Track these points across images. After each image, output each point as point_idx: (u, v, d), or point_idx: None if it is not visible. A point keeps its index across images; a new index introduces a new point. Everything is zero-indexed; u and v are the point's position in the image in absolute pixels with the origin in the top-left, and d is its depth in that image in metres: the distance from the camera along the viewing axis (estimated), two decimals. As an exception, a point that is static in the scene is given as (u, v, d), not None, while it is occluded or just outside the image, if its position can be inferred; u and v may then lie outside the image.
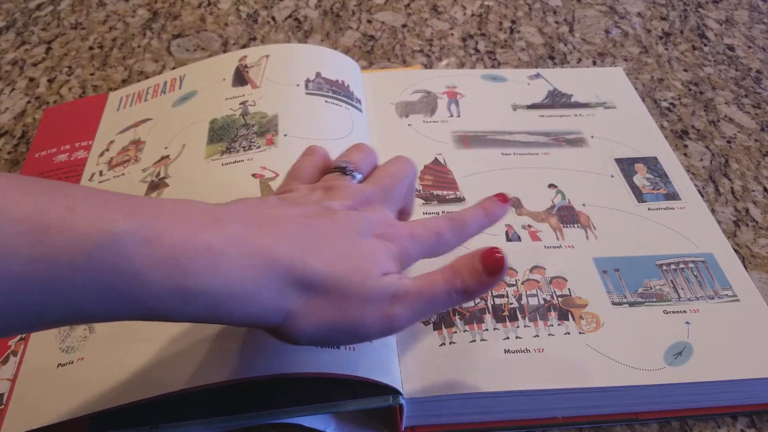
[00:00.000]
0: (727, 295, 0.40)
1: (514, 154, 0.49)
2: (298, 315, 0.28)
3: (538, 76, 0.57)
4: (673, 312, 0.39)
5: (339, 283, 0.28)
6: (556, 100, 0.54)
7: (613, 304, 0.39)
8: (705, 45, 0.65)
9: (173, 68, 0.60)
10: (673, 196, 0.46)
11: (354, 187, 0.33)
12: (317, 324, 0.28)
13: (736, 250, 0.44)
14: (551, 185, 0.47)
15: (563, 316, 0.38)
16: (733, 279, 0.41)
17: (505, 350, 0.36)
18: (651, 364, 0.36)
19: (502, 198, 0.36)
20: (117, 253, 0.24)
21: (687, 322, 0.38)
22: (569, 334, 0.37)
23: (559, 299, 0.39)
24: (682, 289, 0.40)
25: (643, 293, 0.40)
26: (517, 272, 0.41)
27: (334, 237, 0.29)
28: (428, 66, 0.61)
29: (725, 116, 0.57)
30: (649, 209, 0.45)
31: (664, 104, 0.58)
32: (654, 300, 0.39)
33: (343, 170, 0.35)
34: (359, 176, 0.35)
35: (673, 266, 0.41)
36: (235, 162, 0.44)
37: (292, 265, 0.27)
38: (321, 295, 0.28)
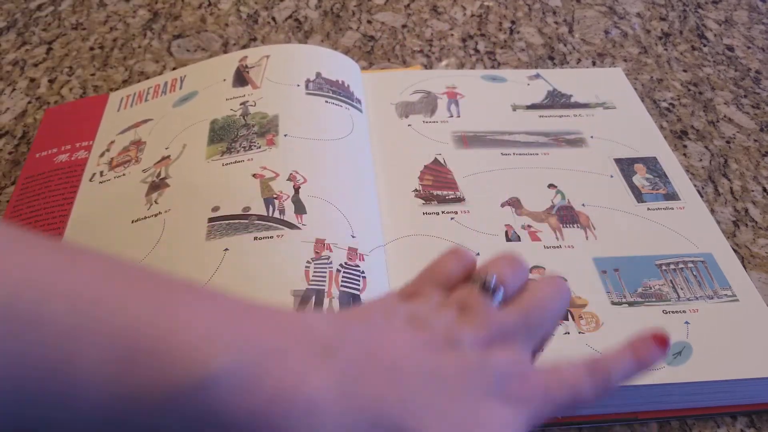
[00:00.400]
0: (726, 295, 0.40)
1: (514, 154, 0.49)
2: None
3: (537, 76, 0.57)
4: (673, 312, 0.39)
5: None
6: (556, 100, 0.55)
7: (613, 303, 0.39)
8: (704, 45, 0.65)
9: (174, 69, 0.60)
10: (672, 196, 0.47)
11: (493, 314, 0.27)
12: None
13: (735, 250, 0.44)
14: (551, 185, 0.47)
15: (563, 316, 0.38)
16: (733, 279, 0.41)
17: None
18: None
19: (659, 340, 0.29)
20: (203, 401, 0.20)
21: (686, 322, 0.38)
22: (569, 333, 0.37)
23: None
24: (682, 289, 0.40)
25: (642, 293, 0.40)
26: (516, 272, 0.41)
27: (457, 396, 0.24)
28: (428, 66, 0.61)
29: (724, 116, 0.57)
30: (648, 209, 0.45)
31: (664, 104, 0.58)
32: (653, 300, 0.40)
33: (484, 285, 0.28)
34: (500, 296, 0.28)
35: (672, 266, 0.42)
36: (236, 162, 0.44)
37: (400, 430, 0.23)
38: None
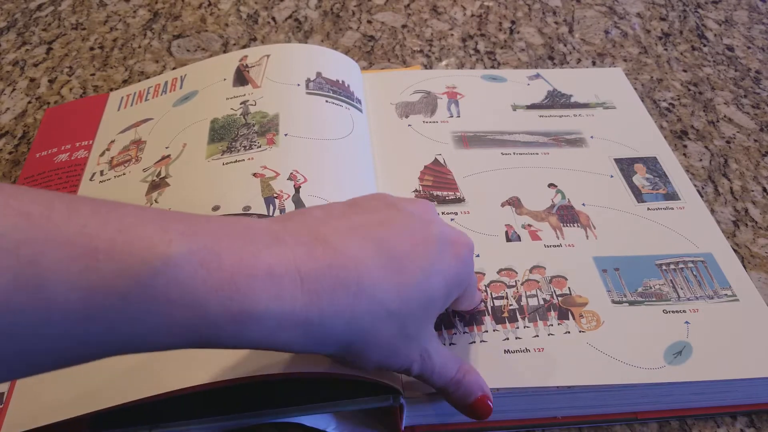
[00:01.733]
0: (726, 294, 0.40)
1: (514, 153, 0.49)
2: (364, 342, 0.27)
3: (537, 76, 0.57)
4: (673, 312, 0.39)
5: (405, 310, 0.28)
6: (556, 100, 0.55)
7: (613, 302, 0.39)
8: (704, 45, 0.65)
9: (174, 68, 0.60)
10: (672, 196, 0.47)
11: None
12: (380, 346, 0.28)
13: (735, 250, 0.44)
14: (551, 185, 0.47)
15: (563, 315, 0.38)
16: (733, 279, 0.41)
17: (504, 350, 0.36)
18: (651, 362, 0.36)
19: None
20: (173, 279, 0.22)
21: (686, 322, 0.38)
22: (569, 333, 0.37)
23: (559, 298, 0.39)
24: (682, 288, 0.40)
25: (642, 293, 0.40)
26: (516, 273, 0.41)
27: (407, 254, 0.28)
28: (428, 66, 0.61)
29: (724, 116, 0.57)
30: (648, 209, 0.45)
31: (664, 104, 0.58)
32: (653, 299, 0.40)
33: None
34: None
35: (672, 266, 0.42)
36: (236, 161, 0.44)
37: (359, 291, 0.26)
38: (386, 320, 0.27)
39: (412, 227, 0.29)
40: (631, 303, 0.39)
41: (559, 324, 0.38)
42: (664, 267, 0.41)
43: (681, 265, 0.42)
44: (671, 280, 0.41)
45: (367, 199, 0.31)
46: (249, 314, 0.23)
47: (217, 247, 0.23)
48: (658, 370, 0.36)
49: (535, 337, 0.37)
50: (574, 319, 0.38)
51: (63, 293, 0.20)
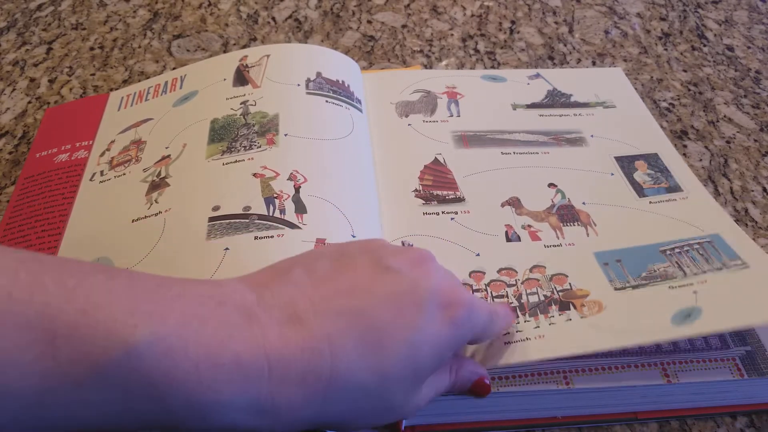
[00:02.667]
0: (736, 264, 0.39)
1: (514, 153, 0.49)
2: (341, 421, 0.26)
3: (537, 76, 0.57)
4: (680, 286, 0.38)
5: (387, 386, 0.27)
6: (556, 99, 0.55)
7: (616, 289, 0.39)
8: (704, 45, 0.65)
9: (174, 68, 0.60)
10: (674, 188, 0.46)
11: (405, 248, 0.31)
12: (364, 419, 0.27)
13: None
14: (551, 185, 0.47)
15: (564, 307, 0.38)
16: (742, 251, 0.40)
17: (505, 343, 0.36)
18: (657, 327, 0.35)
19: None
20: (133, 370, 0.21)
21: (695, 291, 0.37)
22: (570, 320, 0.37)
23: (560, 293, 0.39)
24: (688, 267, 0.39)
25: (647, 276, 0.39)
26: (517, 272, 0.41)
27: (390, 325, 0.26)
28: (428, 66, 0.61)
29: (724, 116, 0.57)
30: (650, 203, 0.45)
31: (664, 104, 0.58)
32: (659, 280, 0.39)
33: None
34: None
35: (677, 250, 0.41)
36: (236, 162, 0.44)
37: (333, 377, 0.25)
38: (365, 399, 0.26)
39: (398, 292, 0.27)
40: (635, 287, 0.38)
41: (560, 314, 0.37)
42: (668, 252, 0.41)
43: (687, 248, 0.41)
44: (677, 262, 0.40)
45: (355, 252, 0.29)
46: (211, 406, 0.23)
47: (186, 333, 0.22)
48: (665, 330, 0.35)
49: (536, 327, 0.37)
50: (575, 308, 0.38)
51: (16, 379, 0.19)
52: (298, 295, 0.26)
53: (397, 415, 0.29)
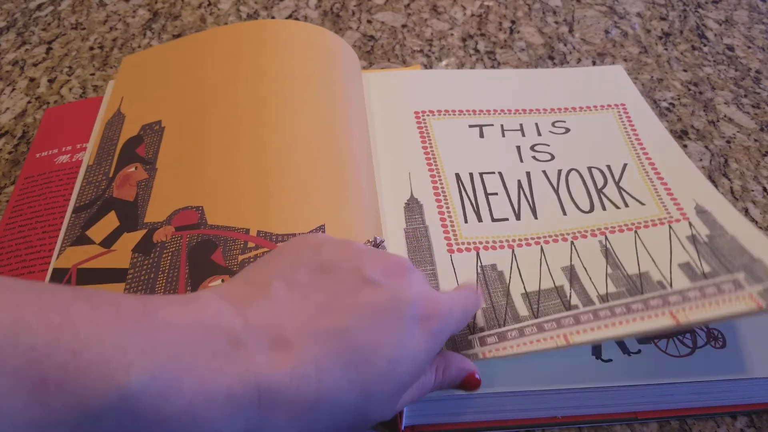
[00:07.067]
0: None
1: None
2: None
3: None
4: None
5: (371, 403, 0.27)
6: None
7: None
8: (704, 45, 0.65)
9: (173, 68, 0.60)
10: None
11: (382, 252, 0.31)
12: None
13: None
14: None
15: None
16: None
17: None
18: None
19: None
20: (127, 412, 0.20)
21: None
22: None
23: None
24: None
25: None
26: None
27: (373, 345, 0.27)
28: (428, 66, 0.61)
29: (725, 116, 0.57)
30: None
31: (664, 104, 0.58)
32: None
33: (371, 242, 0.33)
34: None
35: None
36: None
37: (319, 399, 0.25)
38: (349, 414, 0.27)
39: (380, 307, 0.27)
40: None
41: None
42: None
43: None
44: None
45: (334, 259, 0.29)
46: None
47: (178, 369, 0.22)
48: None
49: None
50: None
51: (6, 428, 0.19)
52: (283, 314, 0.26)
53: (374, 422, 0.29)
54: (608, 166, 0.47)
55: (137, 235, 0.41)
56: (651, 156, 0.48)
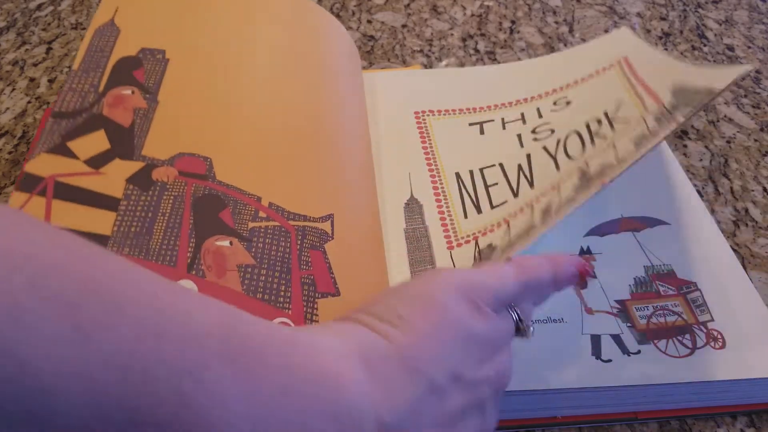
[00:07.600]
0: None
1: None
2: None
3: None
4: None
5: None
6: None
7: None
8: (704, 45, 0.65)
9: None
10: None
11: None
12: None
13: (735, 250, 0.44)
14: None
15: None
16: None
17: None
18: None
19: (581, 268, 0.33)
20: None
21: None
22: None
23: None
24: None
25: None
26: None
27: None
28: (428, 66, 0.61)
29: (725, 116, 0.57)
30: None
31: (664, 104, 0.58)
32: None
33: (518, 330, 0.31)
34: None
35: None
36: None
37: None
38: None
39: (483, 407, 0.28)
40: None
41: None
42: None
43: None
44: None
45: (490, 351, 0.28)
46: None
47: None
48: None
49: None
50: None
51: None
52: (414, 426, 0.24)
53: None
54: (605, 113, 0.45)
55: (133, 166, 0.37)
56: (647, 82, 0.45)
